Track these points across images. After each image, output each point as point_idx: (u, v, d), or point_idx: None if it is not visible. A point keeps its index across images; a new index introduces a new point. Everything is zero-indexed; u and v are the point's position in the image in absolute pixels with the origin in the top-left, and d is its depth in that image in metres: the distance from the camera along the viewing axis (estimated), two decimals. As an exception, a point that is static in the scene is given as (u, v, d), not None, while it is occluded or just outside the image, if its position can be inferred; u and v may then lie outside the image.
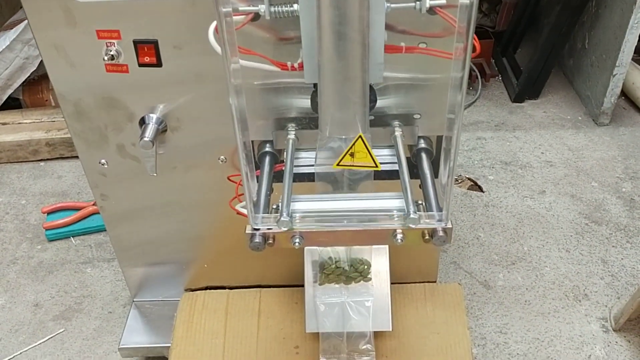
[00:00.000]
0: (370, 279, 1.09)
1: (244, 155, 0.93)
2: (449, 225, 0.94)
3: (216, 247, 1.27)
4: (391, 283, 1.15)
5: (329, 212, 0.90)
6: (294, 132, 1.02)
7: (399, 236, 0.89)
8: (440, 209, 0.92)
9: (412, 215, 0.87)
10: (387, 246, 1.14)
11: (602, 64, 2.01)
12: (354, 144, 0.79)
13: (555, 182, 1.84)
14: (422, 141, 1.05)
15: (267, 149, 1.03)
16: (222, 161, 1.10)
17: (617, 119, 2.09)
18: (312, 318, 1.11)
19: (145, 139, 1.00)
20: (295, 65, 0.87)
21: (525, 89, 2.19)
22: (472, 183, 1.83)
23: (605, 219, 1.71)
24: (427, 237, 0.92)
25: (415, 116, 1.03)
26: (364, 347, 1.08)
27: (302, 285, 1.13)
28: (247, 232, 0.89)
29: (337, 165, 0.82)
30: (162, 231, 1.23)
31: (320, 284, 1.08)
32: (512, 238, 1.65)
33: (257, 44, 0.90)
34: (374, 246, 1.12)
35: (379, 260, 1.12)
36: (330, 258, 1.07)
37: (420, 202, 0.96)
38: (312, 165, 0.99)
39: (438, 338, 1.23)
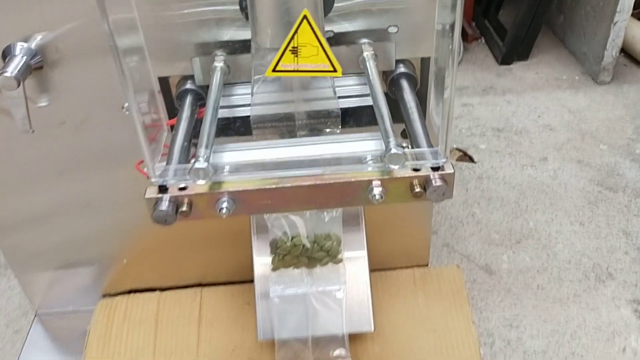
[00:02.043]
0: (341, 260, 0.80)
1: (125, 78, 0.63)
2: (449, 170, 0.68)
3: (139, 238, 0.99)
4: (371, 270, 0.88)
5: (272, 162, 0.62)
6: (223, 59, 0.73)
7: (377, 190, 0.62)
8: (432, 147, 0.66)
9: (393, 151, 0.59)
10: (362, 218, 0.86)
11: (600, 12, 1.77)
12: (297, 28, 0.50)
13: (558, 148, 1.59)
14: (401, 66, 0.77)
15: (189, 85, 0.75)
16: (128, 110, 0.80)
17: (619, 77, 1.87)
18: (266, 321, 0.82)
19: (6, 74, 0.70)
20: None
21: (513, 50, 1.95)
22: (461, 153, 1.57)
23: (621, 185, 1.46)
24: (417, 189, 0.65)
25: (390, 29, 0.74)
26: (337, 352, 0.79)
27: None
28: (147, 196, 0.60)
29: (274, 70, 0.52)
30: (63, 227, 0.94)
31: (273, 270, 0.79)
32: (514, 213, 1.40)
33: None
34: (346, 220, 0.83)
35: (352, 236, 0.84)
36: (284, 233, 0.77)
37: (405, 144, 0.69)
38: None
39: (435, 337, 1.00)
